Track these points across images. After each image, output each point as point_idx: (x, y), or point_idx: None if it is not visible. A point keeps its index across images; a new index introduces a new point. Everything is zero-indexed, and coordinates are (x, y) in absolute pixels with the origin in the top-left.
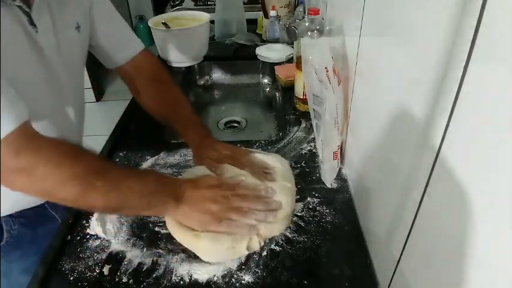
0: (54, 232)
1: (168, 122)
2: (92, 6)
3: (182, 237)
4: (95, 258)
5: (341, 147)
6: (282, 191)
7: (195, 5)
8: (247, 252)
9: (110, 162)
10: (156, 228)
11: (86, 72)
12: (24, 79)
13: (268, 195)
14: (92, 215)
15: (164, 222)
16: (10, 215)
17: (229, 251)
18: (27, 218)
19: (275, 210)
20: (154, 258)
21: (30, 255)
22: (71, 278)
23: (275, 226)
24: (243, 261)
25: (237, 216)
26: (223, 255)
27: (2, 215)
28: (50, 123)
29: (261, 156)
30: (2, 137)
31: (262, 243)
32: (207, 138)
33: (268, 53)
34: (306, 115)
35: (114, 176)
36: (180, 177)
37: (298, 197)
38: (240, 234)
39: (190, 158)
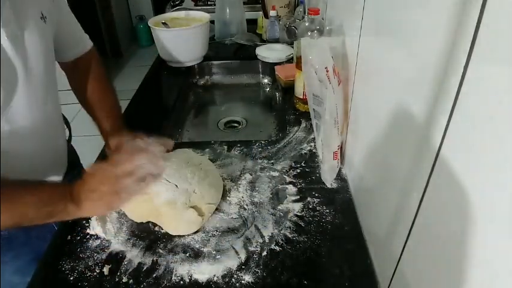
0: (47, 234)
1: (90, 114)
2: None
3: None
4: (95, 258)
5: (341, 147)
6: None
7: (195, 5)
8: (201, 220)
9: (4, 179)
10: (156, 228)
11: None
12: None
13: (148, 144)
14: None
15: None
16: None
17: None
18: None
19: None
20: (154, 258)
21: (23, 256)
22: (71, 278)
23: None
24: (243, 261)
25: (131, 178)
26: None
27: None
28: (23, 117)
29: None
30: None
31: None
32: (120, 129)
33: (268, 53)
34: (306, 115)
35: (8, 195)
36: None
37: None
38: (147, 190)
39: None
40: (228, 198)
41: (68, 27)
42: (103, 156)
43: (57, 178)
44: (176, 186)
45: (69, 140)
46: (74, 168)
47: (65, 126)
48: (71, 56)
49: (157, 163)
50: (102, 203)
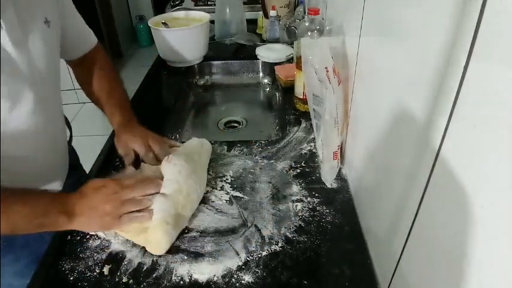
0: (46, 236)
1: (99, 105)
2: (58, 1)
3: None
4: (95, 258)
5: (341, 147)
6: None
7: (195, 5)
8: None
9: None
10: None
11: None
12: None
13: (156, 176)
14: None
15: None
16: None
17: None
18: None
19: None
20: (154, 258)
21: (22, 259)
22: (71, 278)
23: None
24: (243, 261)
25: (134, 207)
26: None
27: None
28: (26, 120)
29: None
30: None
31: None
32: (129, 122)
33: (268, 53)
34: (306, 115)
35: (1, 203)
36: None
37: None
38: (144, 221)
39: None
40: (228, 198)
41: (74, 27)
42: (104, 156)
43: (59, 180)
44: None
45: (69, 141)
46: (74, 169)
47: (66, 127)
48: (78, 54)
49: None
50: (99, 222)
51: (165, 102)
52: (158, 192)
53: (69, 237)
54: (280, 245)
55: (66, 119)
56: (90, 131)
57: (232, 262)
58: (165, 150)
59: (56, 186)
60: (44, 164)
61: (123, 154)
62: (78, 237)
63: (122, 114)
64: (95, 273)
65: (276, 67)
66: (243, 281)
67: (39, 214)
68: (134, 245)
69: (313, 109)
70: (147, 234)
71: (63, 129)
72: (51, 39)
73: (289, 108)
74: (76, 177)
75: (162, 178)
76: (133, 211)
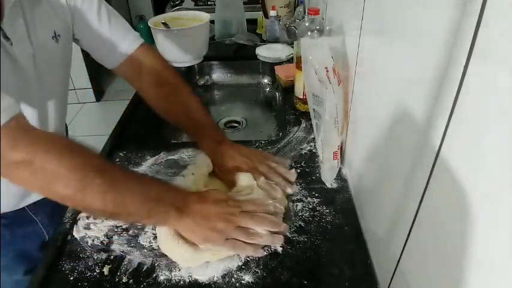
0: (32, 234)
1: (179, 127)
2: (75, 12)
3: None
4: (95, 258)
5: (341, 147)
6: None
7: (195, 5)
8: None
9: (111, 163)
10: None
11: (85, 72)
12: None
13: (277, 212)
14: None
15: None
16: None
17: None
18: (7, 219)
19: (282, 231)
20: (154, 258)
21: (7, 254)
22: (71, 278)
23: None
24: (243, 261)
25: (244, 237)
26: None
27: None
28: None
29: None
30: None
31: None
32: (221, 144)
33: (268, 53)
34: (306, 115)
35: (115, 176)
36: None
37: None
38: (249, 254)
39: (190, 158)
40: None
41: (100, 38)
42: (104, 156)
43: None
44: None
45: None
46: None
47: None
48: (117, 60)
49: (274, 243)
50: (204, 234)
51: None
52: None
53: (69, 237)
54: (280, 245)
55: None
56: (90, 131)
57: (232, 262)
58: (276, 172)
59: None
60: None
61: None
62: (78, 237)
63: (210, 137)
64: (95, 273)
65: (276, 67)
66: (243, 281)
67: (152, 199)
68: (134, 245)
69: (313, 109)
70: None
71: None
72: (59, 53)
73: (289, 108)
74: None
75: (283, 212)
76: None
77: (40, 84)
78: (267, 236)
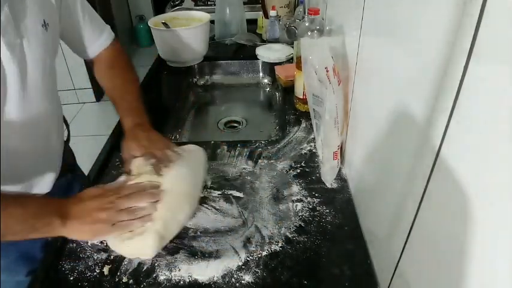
0: None
1: (113, 103)
2: (61, 2)
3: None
4: (95, 258)
5: (341, 147)
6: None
7: (195, 5)
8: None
9: None
10: None
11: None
12: None
13: (154, 186)
14: None
15: None
16: None
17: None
18: None
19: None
20: (154, 258)
21: (10, 255)
22: (71, 278)
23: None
24: (243, 261)
25: (127, 216)
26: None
27: None
28: (18, 127)
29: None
30: None
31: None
32: (138, 126)
33: (268, 53)
34: (306, 115)
35: None
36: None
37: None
38: (134, 228)
39: None
40: (228, 198)
41: (81, 31)
42: (104, 156)
43: (49, 178)
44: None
45: (67, 141)
46: (69, 170)
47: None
48: (91, 54)
49: (154, 210)
50: (92, 229)
51: (165, 102)
52: (156, 201)
53: None
54: (280, 245)
55: (65, 120)
56: (90, 131)
57: (232, 262)
58: (166, 157)
59: (48, 180)
60: (33, 159)
61: (124, 160)
62: None
63: (132, 118)
64: (95, 273)
65: (276, 67)
66: (243, 281)
67: (32, 215)
68: None
69: (313, 109)
70: (134, 241)
71: (59, 128)
72: (48, 41)
73: (289, 108)
74: (69, 178)
75: (158, 186)
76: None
77: (31, 72)
78: (149, 206)
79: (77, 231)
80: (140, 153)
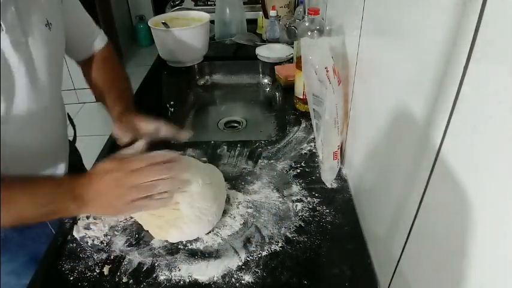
0: (42, 236)
1: (102, 100)
2: (61, 3)
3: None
4: (95, 258)
5: (341, 147)
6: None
7: (195, 5)
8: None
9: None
10: None
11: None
12: None
13: (166, 156)
14: (91, 216)
15: None
16: None
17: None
18: None
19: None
20: (154, 258)
21: (18, 258)
22: (71, 278)
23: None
24: (243, 261)
25: (143, 193)
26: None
27: None
28: (26, 123)
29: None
30: None
31: None
32: (126, 113)
33: (268, 53)
34: (306, 115)
35: (4, 197)
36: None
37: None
38: (159, 207)
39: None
40: (228, 198)
41: (78, 29)
42: (104, 156)
43: (59, 172)
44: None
45: (73, 141)
46: (76, 170)
47: (71, 127)
48: (84, 55)
49: (173, 186)
50: (111, 208)
51: (165, 102)
52: (171, 177)
53: (69, 237)
54: (280, 245)
55: (71, 119)
56: (91, 131)
57: (232, 262)
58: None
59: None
60: (39, 154)
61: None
62: (78, 237)
63: (121, 105)
64: (95, 273)
65: (276, 67)
66: (243, 281)
67: (44, 204)
68: (134, 244)
69: (313, 109)
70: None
71: (63, 125)
72: (52, 41)
73: (289, 108)
74: None
75: (175, 159)
76: (144, 197)
77: (33, 71)
78: (164, 182)
79: (97, 211)
80: (130, 139)
